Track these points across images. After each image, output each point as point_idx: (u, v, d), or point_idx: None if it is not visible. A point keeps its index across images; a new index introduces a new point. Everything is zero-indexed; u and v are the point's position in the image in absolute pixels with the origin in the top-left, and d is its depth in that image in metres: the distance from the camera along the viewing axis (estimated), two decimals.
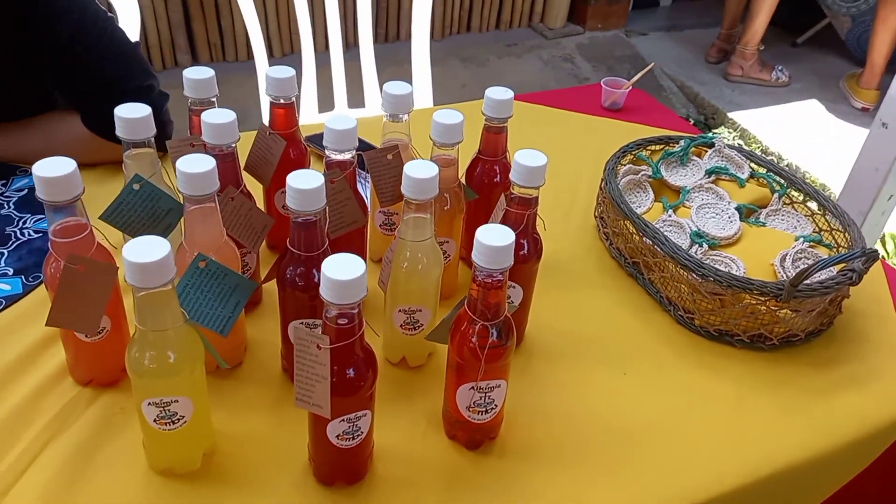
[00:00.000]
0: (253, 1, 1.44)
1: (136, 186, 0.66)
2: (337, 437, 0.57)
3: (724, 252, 0.83)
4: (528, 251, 0.69)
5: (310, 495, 0.60)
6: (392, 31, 2.99)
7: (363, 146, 1.05)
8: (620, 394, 0.73)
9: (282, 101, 0.74)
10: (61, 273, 0.58)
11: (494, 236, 0.54)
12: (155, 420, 0.56)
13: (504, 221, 0.68)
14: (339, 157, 0.69)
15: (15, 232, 0.83)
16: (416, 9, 1.53)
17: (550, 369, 0.75)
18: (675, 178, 0.95)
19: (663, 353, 0.78)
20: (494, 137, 0.77)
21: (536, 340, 0.78)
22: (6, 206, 0.87)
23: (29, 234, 0.83)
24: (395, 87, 0.73)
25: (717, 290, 0.76)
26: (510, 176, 0.65)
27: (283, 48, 2.77)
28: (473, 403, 0.61)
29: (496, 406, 0.62)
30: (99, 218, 0.65)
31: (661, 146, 0.98)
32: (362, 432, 0.58)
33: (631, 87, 1.23)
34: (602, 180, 0.91)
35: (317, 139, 1.05)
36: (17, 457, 0.60)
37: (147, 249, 0.49)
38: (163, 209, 0.67)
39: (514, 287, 0.71)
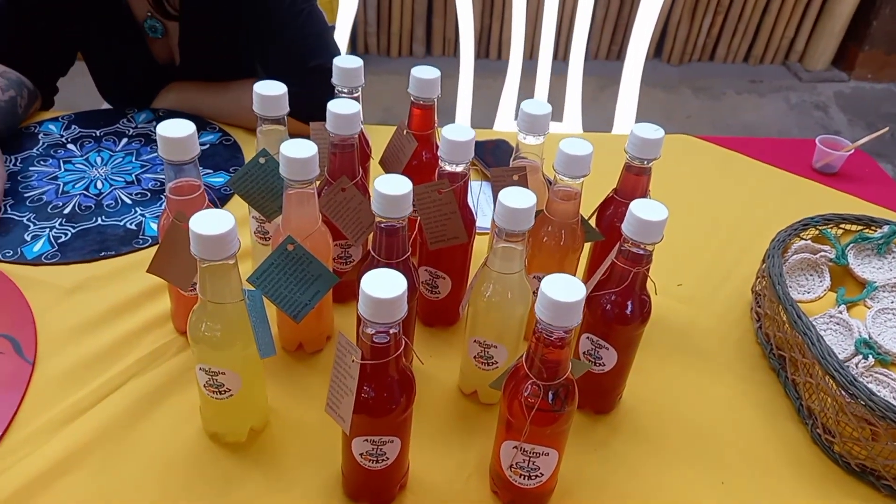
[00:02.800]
0: (473, 2, 1.46)
1: (261, 160, 0.68)
2: (360, 455, 0.54)
3: (895, 373, 0.67)
4: (631, 312, 0.61)
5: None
6: (615, 49, 2.88)
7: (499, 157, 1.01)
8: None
9: (421, 101, 0.73)
10: (168, 227, 0.62)
11: (561, 289, 0.48)
12: (204, 386, 0.58)
13: (610, 274, 0.61)
14: (451, 168, 0.66)
15: None
16: (638, 25, 1.44)
17: (635, 451, 0.65)
18: (865, 268, 0.78)
19: (782, 472, 0.65)
20: (634, 179, 0.69)
21: (630, 414, 0.69)
22: None
23: None
24: (533, 106, 0.68)
25: (868, 418, 0.61)
26: (622, 227, 0.58)
27: (503, 53, 2.80)
28: (515, 464, 0.55)
29: (542, 474, 0.56)
30: (226, 185, 0.69)
31: (858, 227, 0.81)
32: (388, 458, 0.55)
33: (853, 151, 1.05)
34: (767, 252, 0.78)
35: (479, 149, 1.02)
36: (100, 385, 0.66)
37: (212, 223, 0.50)
38: (281, 187, 0.69)
39: (607, 349, 0.63)
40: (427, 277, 0.73)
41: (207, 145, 1.00)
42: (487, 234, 0.88)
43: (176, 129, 0.59)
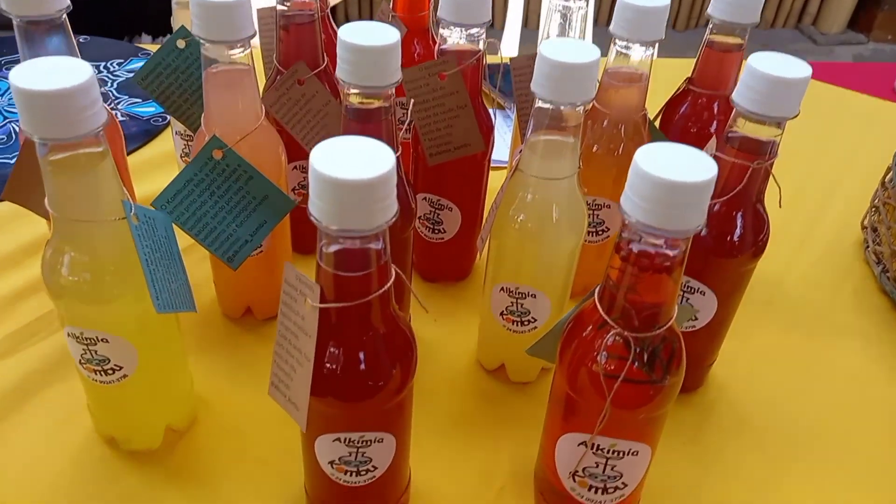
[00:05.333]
0: None
1: (180, 44, 0.47)
2: (331, 464, 0.33)
3: None
4: (741, 236, 0.40)
5: None
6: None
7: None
8: None
9: None
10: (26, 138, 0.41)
11: (669, 157, 0.27)
12: (80, 362, 0.37)
13: None
14: (458, 39, 0.44)
15: None
16: None
17: (737, 445, 0.45)
18: None
19: None
20: (720, 58, 0.48)
21: (725, 392, 0.48)
22: (108, 84, 0.75)
23: (116, 116, 0.70)
24: None
25: None
26: (732, 96, 0.37)
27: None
28: (584, 471, 0.34)
29: (624, 485, 0.35)
30: (132, 79, 0.49)
31: None
32: (375, 467, 0.34)
33: None
34: (887, 173, 0.58)
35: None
36: None
37: (52, 72, 0.29)
38: None
39: (702, 293, 0.42)
40: (426, 210, 0.52)
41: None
42: (504, 168, 0.67)
43: None
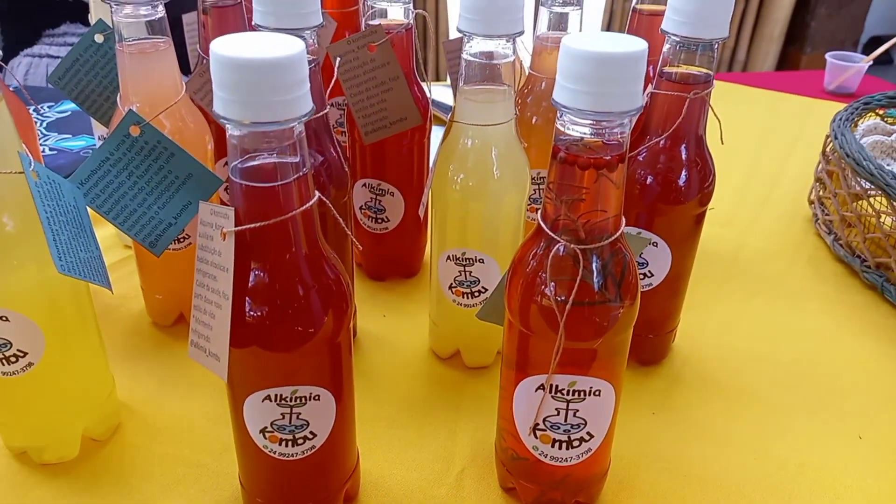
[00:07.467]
0: None
1: (98, 38, 0.45)
2: (263, 433, 0.30)
3: None
4: (686, 179, 0.39)
5: None
6: None
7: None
8: (853, 468, 0.38)
9: None
10: None
11: (599, 40, 0.26)
12: None
13: (646, 120, 0.39)
14: (386, 5, 0.44)
15: None
16: None
17: (714, 409, 0.42)
18: None
19: None
20: (649, 22, 0.48)
21: (691, 362, 0.46)
22: (39, 125, 0.73)
23: (43, 151, 0.67)
24: None
25: None
26: (662, 26, 0.36)
27: None
28: (545, 422, 0.31)
29: (590, 437, 0.32)
30: (48, 81, 0.46)
31: None
32: (312, 433, 0.30)
33: (870, 64, 0.88)
34: (826, 141, 0.58)
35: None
36: None
37: None
38: None
39: (654, 244, 0.40)
40: (367, 198, 0.50)
41: (68, 112, 0.76)
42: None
43: None
